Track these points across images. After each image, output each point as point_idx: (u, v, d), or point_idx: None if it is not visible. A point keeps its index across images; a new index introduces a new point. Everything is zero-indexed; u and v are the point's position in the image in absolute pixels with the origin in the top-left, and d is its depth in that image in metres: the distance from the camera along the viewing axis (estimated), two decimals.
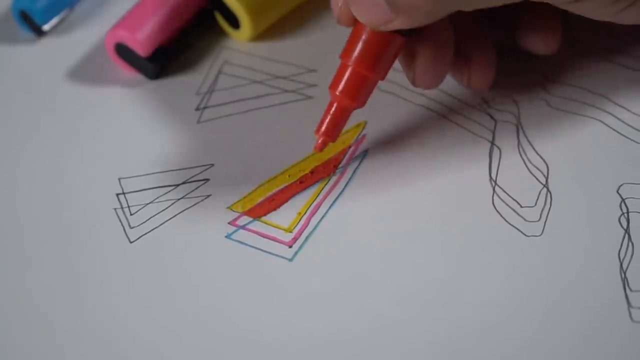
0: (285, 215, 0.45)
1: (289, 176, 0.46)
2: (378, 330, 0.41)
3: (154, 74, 0.51)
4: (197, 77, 0.51)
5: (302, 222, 0.45)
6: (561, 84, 0.49)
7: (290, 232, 0.44)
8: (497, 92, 0.48)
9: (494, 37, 0.48)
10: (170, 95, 0.50)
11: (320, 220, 0.45)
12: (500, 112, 0.48)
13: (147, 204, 0.46)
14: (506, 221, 0.44)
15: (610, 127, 0.47)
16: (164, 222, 0.45)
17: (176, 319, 0.42)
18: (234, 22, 0.52)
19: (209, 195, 0.46)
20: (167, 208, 0.45)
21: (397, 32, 0.43)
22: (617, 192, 0.44)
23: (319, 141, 0.44)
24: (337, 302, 0.42)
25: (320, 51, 0.52)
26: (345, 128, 0.45)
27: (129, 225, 0.45)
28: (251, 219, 0.45)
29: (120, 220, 0.45)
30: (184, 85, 0.51)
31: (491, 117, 0.48)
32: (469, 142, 0.47)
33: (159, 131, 0.49)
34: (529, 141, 0.47)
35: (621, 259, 0.42)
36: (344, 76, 0.43)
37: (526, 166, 0.46)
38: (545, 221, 0.44)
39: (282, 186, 0.46)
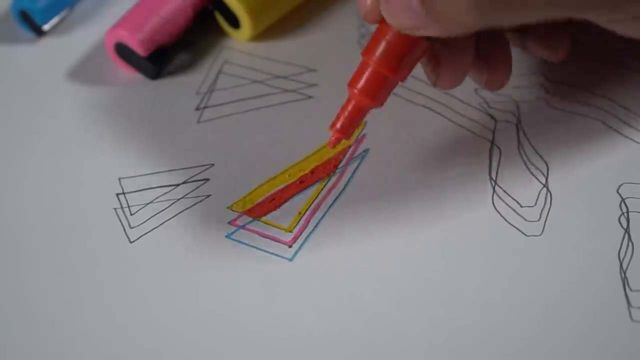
0: (285, 215, 0.45)
1: (289, 176, 0.46)
2: (378, 330, 0.41)
3: (154, 74, 0.51)
4: (197, 76, 0.51)
5: (302, 222, 0.45)
6: (561, 84, 0.49)
7: (290, 232, 0.44)
8: (497, 92, 0.48)
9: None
10: (170, 95, 0.50)
11: (320, 220, 0.45)
12: (500, 112, 0.48)
13: (147, 204, 0.46)
14: (506, 221, 0.44)
15: (611, 127, 0.47)
16: (164, 222, 0.45)
17: (176, 319, 0.42)
18: (234, 22, 0.52)
19: (209, 195, 0.46)
20: (167, 208, 0.45)
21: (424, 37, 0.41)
22: (617, 191, 0.44)
23: (333, 137, 0.43)
24: (337, 302, 0.42)
25: (320, 51, 0.52)
26: None
27: (129, 225, 0.45)
28: (251, 218, 0.45)
29: (120, 220, 0.45)
30: (184, 85, 0.51)
31: (491, 117, 0.48)
32: (469, 142, 0.47)
33: (159, 131, 0.49)
34: (529, 141, 0.47)
35: (621, 258, 0.42)
36: (364, 74, 0.42)
37: (526, 166, 0.46)
38: (545, 221, 0.44)
39: (282, 186, 0.46)
